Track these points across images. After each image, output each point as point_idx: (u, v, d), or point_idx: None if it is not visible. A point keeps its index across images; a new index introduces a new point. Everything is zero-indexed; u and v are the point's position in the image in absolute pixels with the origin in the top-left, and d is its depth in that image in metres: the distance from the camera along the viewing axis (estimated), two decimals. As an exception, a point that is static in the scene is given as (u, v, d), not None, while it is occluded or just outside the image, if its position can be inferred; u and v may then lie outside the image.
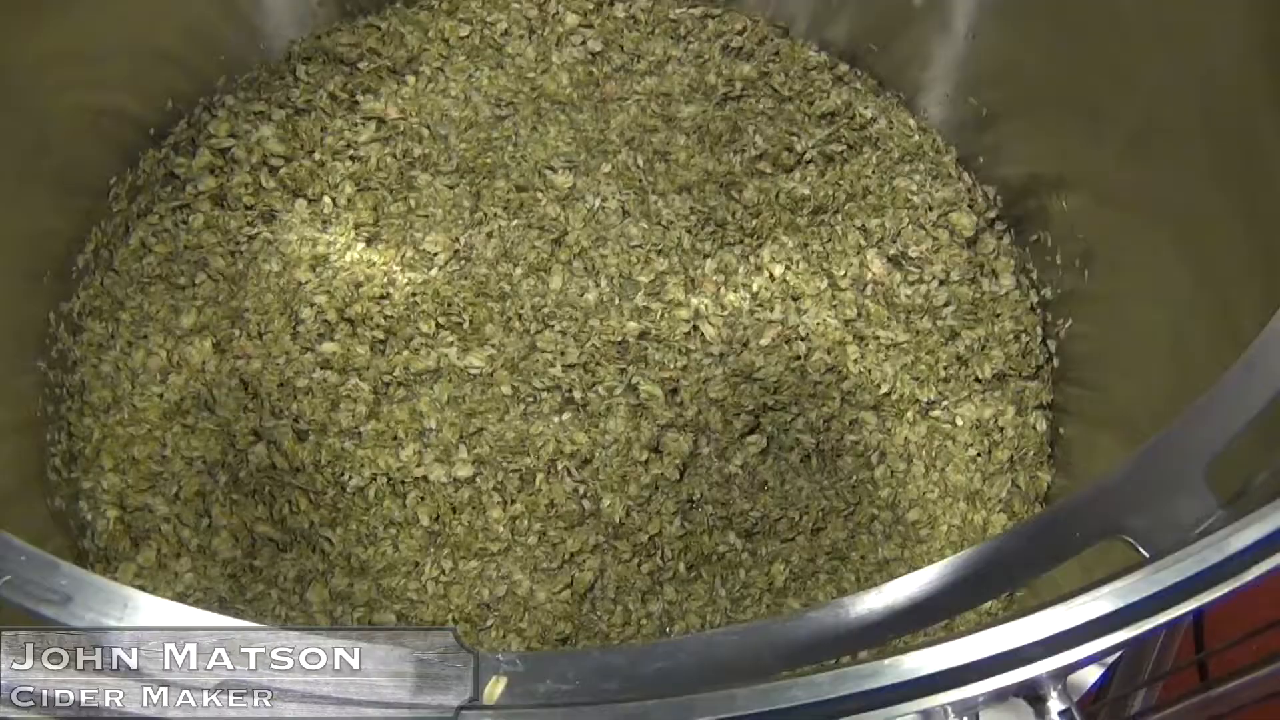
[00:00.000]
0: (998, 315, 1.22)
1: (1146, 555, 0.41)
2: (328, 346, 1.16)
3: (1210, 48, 0.87)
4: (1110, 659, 0.77)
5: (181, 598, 1.05)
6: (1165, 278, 0.99)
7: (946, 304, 1.22)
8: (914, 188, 1.28)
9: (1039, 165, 1.19)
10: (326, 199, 1.24)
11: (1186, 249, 0.95)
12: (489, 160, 1.27)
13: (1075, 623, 0.37)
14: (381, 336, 1.17)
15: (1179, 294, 0.96)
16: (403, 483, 1.10)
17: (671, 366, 1.17)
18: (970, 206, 1.27)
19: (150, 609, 0.41)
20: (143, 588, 0.44)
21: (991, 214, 1.27)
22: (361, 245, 1.22)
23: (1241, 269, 0.88)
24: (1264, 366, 0.50)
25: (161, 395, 1.15)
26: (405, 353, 1.16)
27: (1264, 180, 0.84)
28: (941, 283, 1.23)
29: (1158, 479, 0.45)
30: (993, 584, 0.48)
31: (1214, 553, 0.38)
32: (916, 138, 1.32)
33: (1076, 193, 1.13)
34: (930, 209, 1.27)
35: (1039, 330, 1.21)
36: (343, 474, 1.10)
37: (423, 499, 1.10)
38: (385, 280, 1.20)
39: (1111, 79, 1.01)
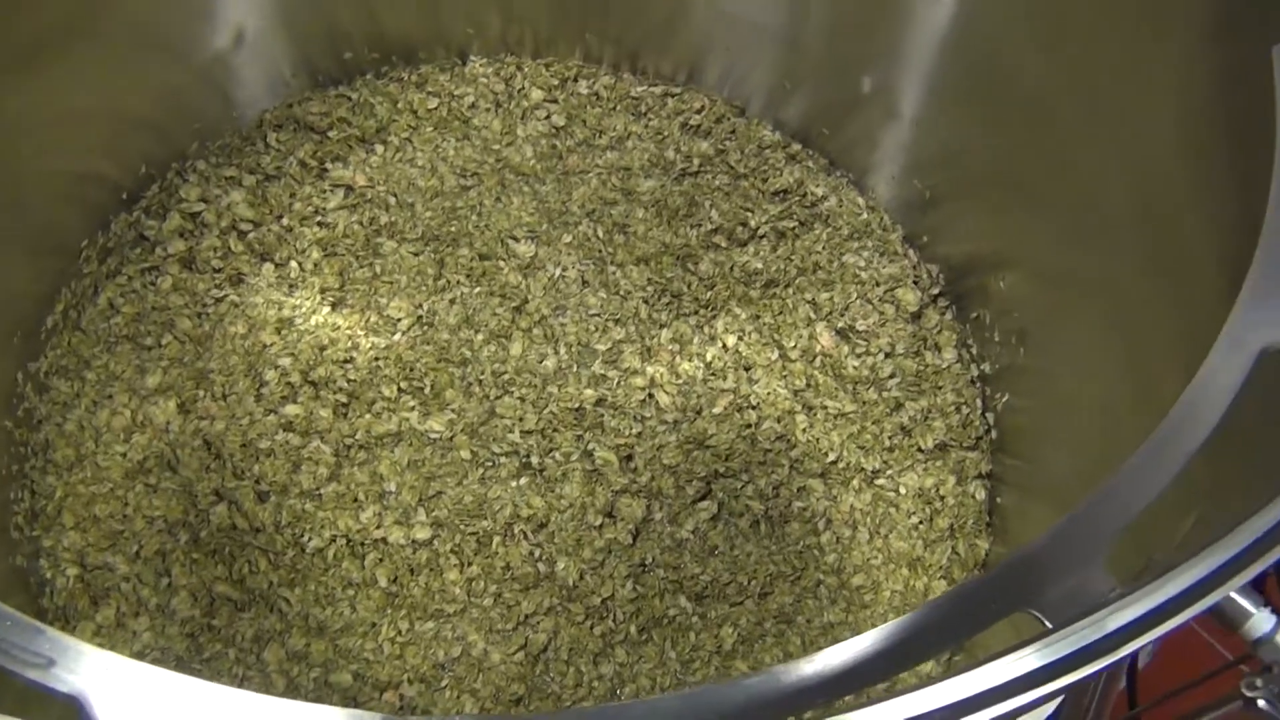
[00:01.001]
0: (940, 388, 1.27)
1: (1050, 627, 0.46)
2: (291, 409, 1.19)
3: (1142, 143, 0.94)
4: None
5: (139, 656, 1.06)
6: (1096, 355, 1.04)
7: (891, 376, 1.27)
8: (862, 264, 1.34)
9: (979, 246, 1.25)
10: (293, 264, 1.28)
11: (1116, 328, 1.00)
12: (453, 229, 1.32)
13: (973, 691, 0.41)
14: (344, 400, 1.20)
15: (1109, 371, 1.01)
16: (362, 544, 1.13)
17: (627, 433, 1.21)
18: (915, 283, 1.33)
19: (132, 674, 0.44)
20: (100, 645, 0.46)
21: (935, 290, 1.33)
22: (326, 310, 1.25)
23: (1167, 349, 0.93)
24: (1165, 452, 0.55)
25: (125, 454, 1.16)
26: (367, 416, 1.19)
27: (1189, 268, 0.89)
28: (887, 355, 1.28)
29: (1065, 556, 0.50)
30: (921, 650, 0.52)
31: (1093, 631, 0.42)
32: (865, 216, 1.38)
33: (1014, 273, 1.19)
34: (877, 284, 1.32)
35: (979, 403, 1.27)
36: (303, 535, 1.12)
37: (381, 560, 1.12)
38: (349, 344, 1.23)
39: (1048, 167, 1.07)
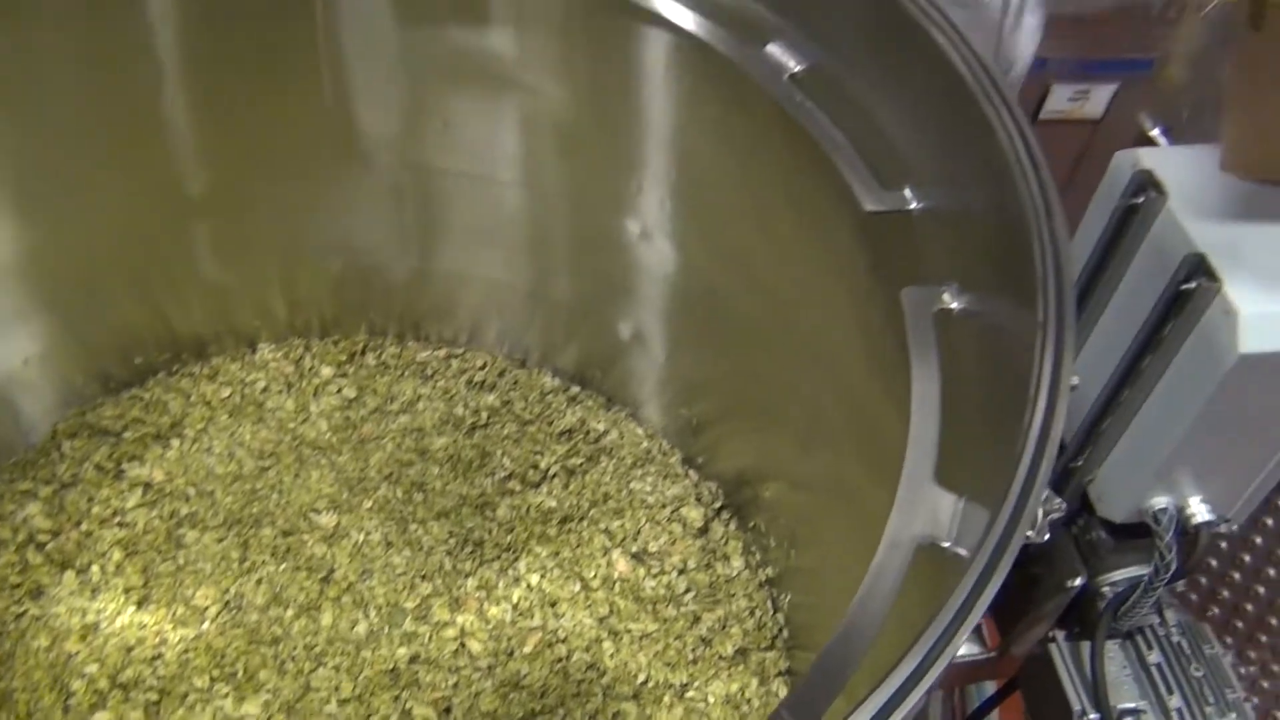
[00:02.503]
0: (732, 595, 1.37)
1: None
2: (100, 716, 1.18)
3: (841, 364, 1.09)
4: None
5: None
6: (847, 549, 1.17)
7: (687, 591, 1.36)
8: (648, 489, 1.45)
9: (745, 462, 1.38)
10: (95, 568, 1.29)
11: (855, 523, 1.13)
12: (255, 510, 1.37)
13: None
14: (155, 698, 1.20)
15: (859, 564, 1.13)
16: (181, 845, 1.11)
17: (443, 686, 1.25)
18: (698, 500, 1.45)
19: None
20: None
21: (716, 505, 1.45)
22: (132, 609, 1.26)
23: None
24: (850, 643, 0.66)
25: (-79, 793, 1.13)
26: (180, 711, 1.20)
27: (894, 462, 1.03)
28: (680, 572, 1.38)
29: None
30: None
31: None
32: (645, 444, 1.50)
33: (775, 483, 1.32)
34: (664, 506, 1.43)
35: (769, 604, 1.37)
36: (118, 846, 1.11)
37: None
38: (157, 640, 1.24)
39: (778, 389, 1.22)
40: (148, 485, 1.37)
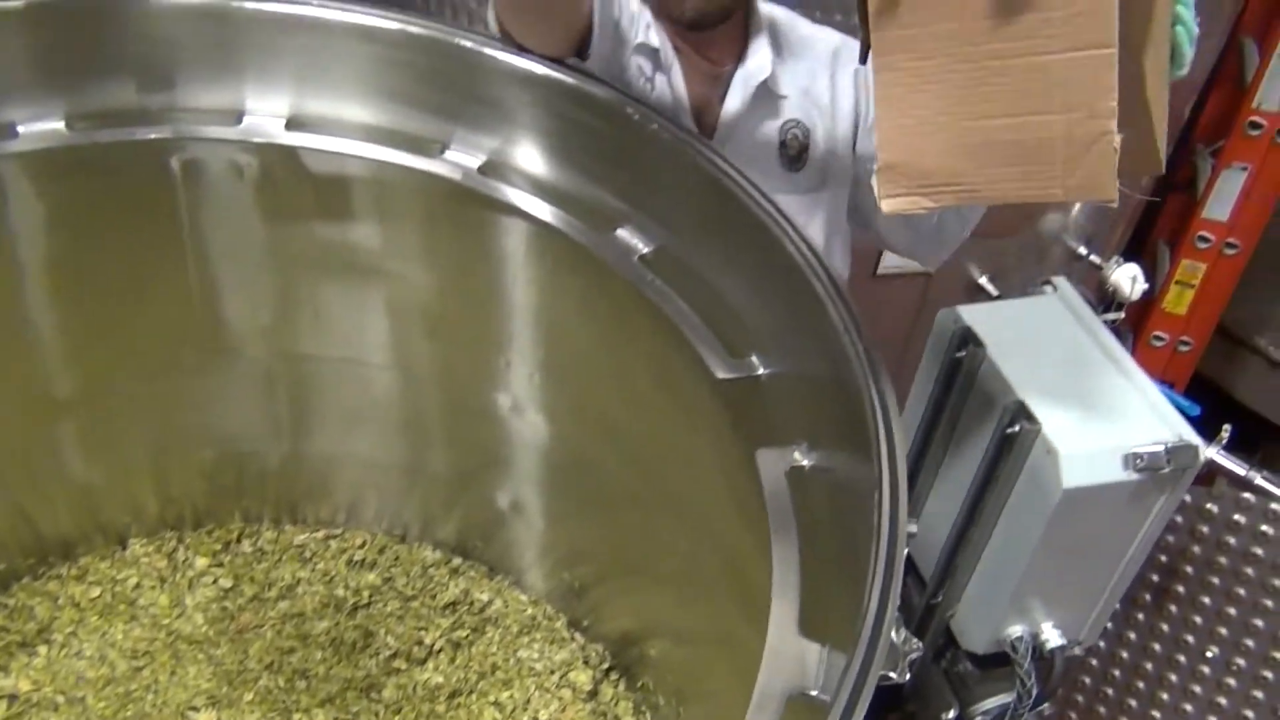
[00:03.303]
0: (625, 757, 1.37)
1: None
2: None
3: (711, 519, 1.14)
4: None
5: None
6: (736, 698, 1.19)
7: (579, 757, 1.36)
8: (535, 656, 1.45)
9: (628, 622, 1.41)
10: (-46, 792, 1.23)
11: (737, 670, 1.16)
12: (129, 713, 1.32)
13: None
14: None
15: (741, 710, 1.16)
16: None
17: None
18: (585, 663, 1.46)
19: None
20: None
21: (605, 666, 1.46)
22: (-5, 834, 1.20)
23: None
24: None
25: None
26: None
27: (763, 604, 1.07)
28: (572, 738, 1.38)
29: None
30: None
31: None
32: (530, 611, 1.51)
33: (660, 640, 1.35)
34: (552, 673, 1.44)
35: (663, 762, 1.37)
36: None
37: None
38: None
39: (654, 549, 1.26)
40: (13, 697, 1.32)
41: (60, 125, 1.15)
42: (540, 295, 1.20)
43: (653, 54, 1.14)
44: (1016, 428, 0.97)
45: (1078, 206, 1.74)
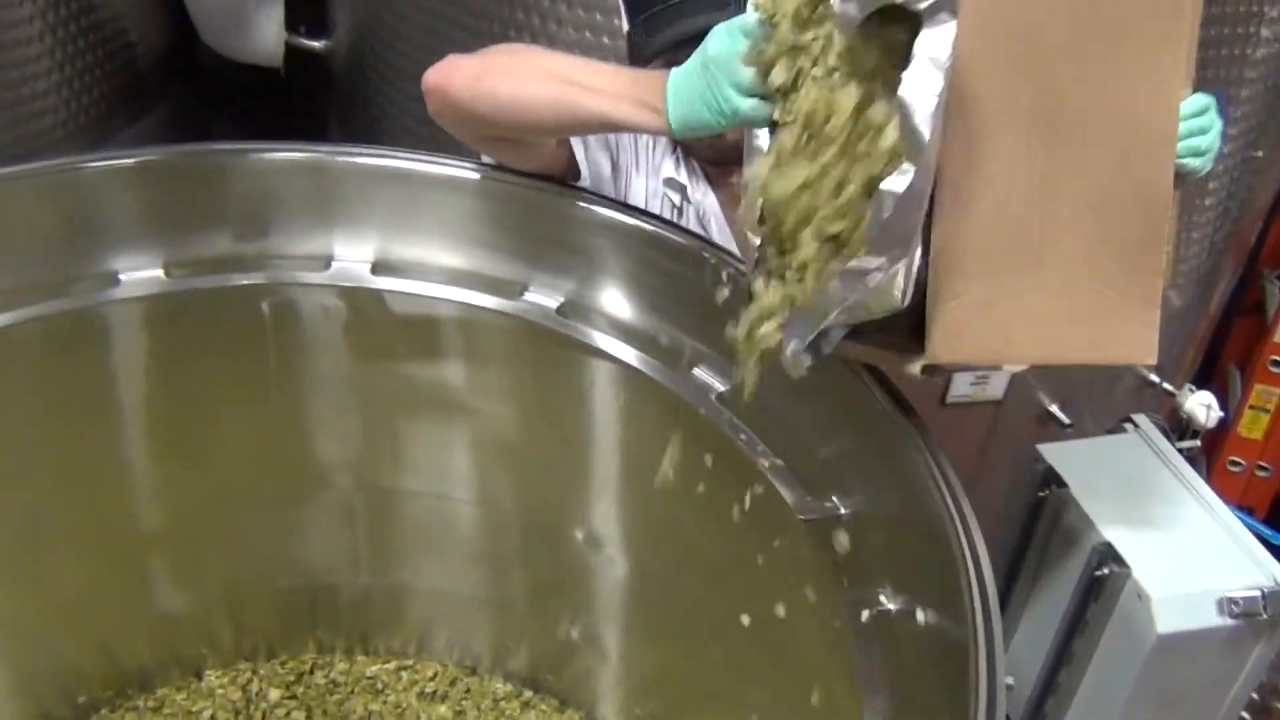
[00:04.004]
0: None
1: None
2: None
3: (799, 651, 1.13)
4: None
5: None
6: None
7: None
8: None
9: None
10: None
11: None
12: None
13: None
14: None
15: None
16: None
17: None
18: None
19: None
20: None
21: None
22: None
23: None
24: None
25: None
26: None
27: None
28: None
29: None
30: None
31: None
32: (601, 747, 1.49)
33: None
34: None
35: None
36: None
37: None
38: None
39: (736, 677, 1.24)
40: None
41: (159, 273, 1.20)
42: (619, 431, 1.22)
43: (680, 188, 1.20)
44: (1105, 570, 0.96)
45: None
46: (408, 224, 1.23)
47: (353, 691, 1.54)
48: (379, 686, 1.55)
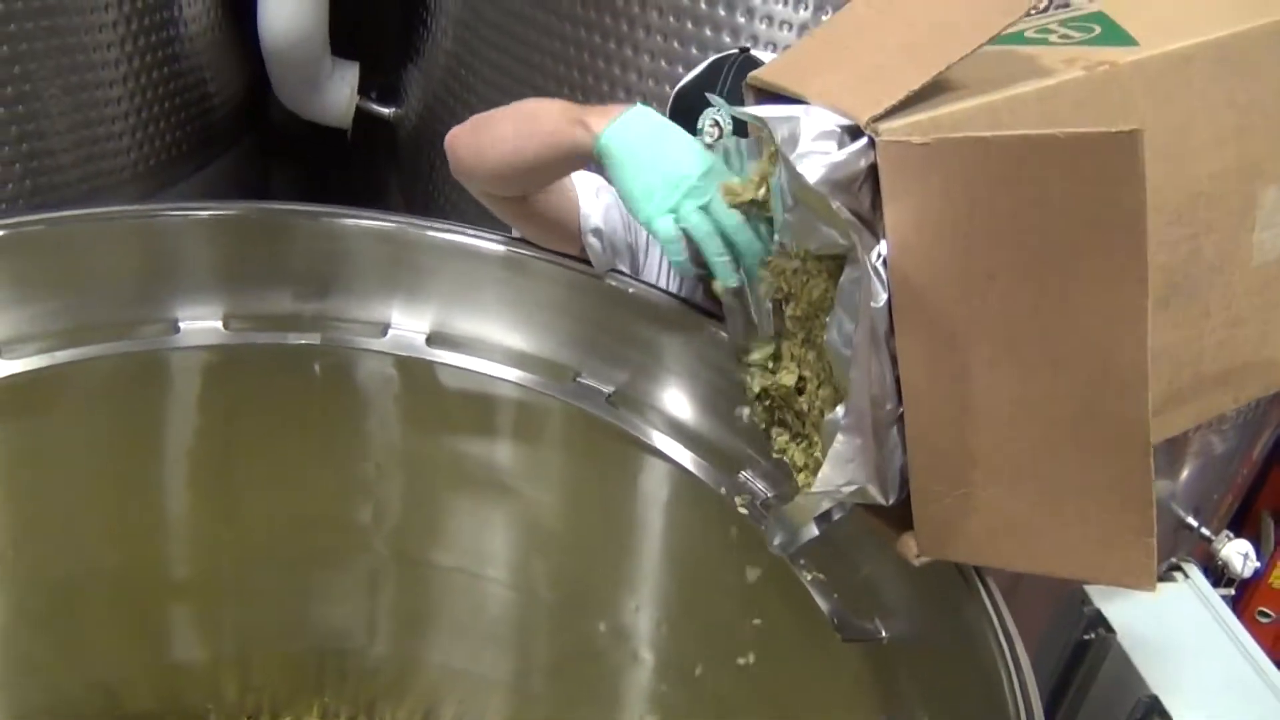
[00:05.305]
0: None
1: None
2: None
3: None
4: None
5: None
6: None
7: None
8: None
9: None
10: None
11: None
12: None
13: None
14: None
15: None
16: None
17: None
18: None
19: None
20: None
21: None
22: None
23: None
24: None
25: None
26: None
27: None
28: None
29: None
30: None
31: None
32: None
33: None
34: None
35: None
36: None
37: None
38: None
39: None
40: None
41: (219, 324, 1.21)
42: (662, 528, 1.21)
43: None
44: (1148, 724, 0.94)
45: (1186, 471, 1.72)
46: (467, 299, 1.23)
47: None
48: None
